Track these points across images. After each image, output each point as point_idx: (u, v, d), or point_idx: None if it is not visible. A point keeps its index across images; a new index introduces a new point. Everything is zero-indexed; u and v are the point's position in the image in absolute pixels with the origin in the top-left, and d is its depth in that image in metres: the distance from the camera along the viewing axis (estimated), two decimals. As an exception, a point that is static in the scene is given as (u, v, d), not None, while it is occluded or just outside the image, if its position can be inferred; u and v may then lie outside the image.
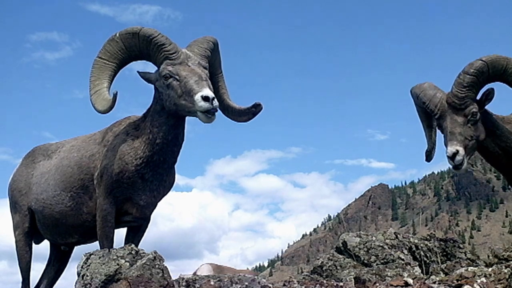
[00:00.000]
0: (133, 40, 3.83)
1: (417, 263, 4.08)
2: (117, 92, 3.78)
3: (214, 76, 4.22)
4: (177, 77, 3.71)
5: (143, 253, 3.35)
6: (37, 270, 5.15)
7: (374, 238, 4.42)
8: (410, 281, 2.90)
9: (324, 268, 4.26)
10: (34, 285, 5.06)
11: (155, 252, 3.31)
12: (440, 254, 4.35)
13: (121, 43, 3.85)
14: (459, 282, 2.71)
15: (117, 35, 3.87)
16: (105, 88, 3.84)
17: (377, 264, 4.06)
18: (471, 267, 2.98)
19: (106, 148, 4.11)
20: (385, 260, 4.15)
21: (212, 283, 2.86)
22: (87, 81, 3.87)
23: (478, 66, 3.97)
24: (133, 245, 3.41)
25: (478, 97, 4.06)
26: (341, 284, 2.96)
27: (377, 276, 3.54)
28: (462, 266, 3.14)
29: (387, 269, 3.62)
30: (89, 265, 3.23)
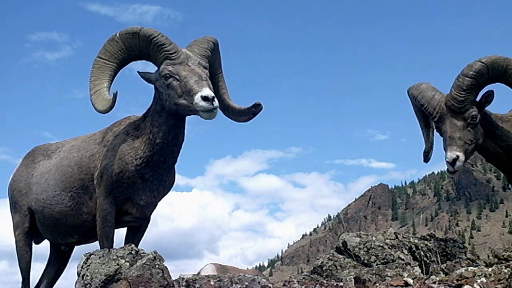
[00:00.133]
0: (133, 40, 3.82)
1: (417, 263, 4.08)
2: (117, 92, 3.78)
3: (214, 76, 4.22)
4: (177, 77, 3.71)
5: (143, 253, 3.35)
6: (37, 270, 5.15)
7: (374, 238, 4.42)
8: (410, 281, 2.90)
9: (324, 268, 4.27)
10: (34, 285, 5.06)
11: (155, 252, 3.31)
12: (440, 254, 4.35)
13: (121, 43, 3.85)
14: (459, 282, 2.72)
15: (117, 35, 3.87)
16: (105, 88, 3.84)
17: (377, 264, 4.06)
18: (471, 267, 2.98)
19: (106, 148, 4.11)
20: (385, 260, 4.15)
21: (212, 283, 2.86)
22: (87, 81, 3.88)
23: (478, 68, 3.89)
24: (133, 245, 3.42)
25: (477, 99, 3.99)
26: (341, 284, 2.96)
27: (377, 276, 3.54)
28: (462, 266, 3.14)
29: (387, 269, 3.62)
30: (89, 265, 3.23)
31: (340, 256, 4.35)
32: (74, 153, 4.44)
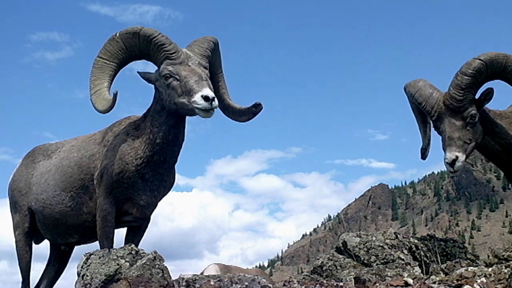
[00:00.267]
0: (133, 40, 3.82)
1: (417, 263, 4.08)
2: (117, 92, 3.78)
3: (215, 76, 4.21)
4: (177, 76, 3.70)
5: (143, 253, 3.35)
6: (37, 270, 5.15)
7: (374, 238, 4.42)
8: (410, 281, 2.90)
9: (324, 268, 4.27)
10: (34, 285, 5.06)
11: (155, 252, 3.31)
12: (440, 254, 4.35)
13: (122, 43, 3.85)
14: (459, 282, 2.71)
15: (117, 35, 3.86)
16: (105, 88, 3.84)
17: (377, 264, 4.06)
18: (471, 267, 2.98)
19: (106, 148, 4.11)
20: (385, 260, 4.15)
21: (212, 283, 2.86)
22: (88, 81, 3.87)
23: (476, 66, 3.81)
24: (133, 245, 3.41)
25: (476, 96, 3.92)
26: (341, 284, 2.96)
27: (377, 276, 3.54)
28: (462, 266, 3.14)
29: (387, 269, 3.62)
30: (89, 265, 3.23)
31: (340, 256, 4.35)
32: (74, 153, 4.44)
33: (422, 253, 4.41)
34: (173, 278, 3.16)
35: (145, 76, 3.94)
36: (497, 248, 3.71)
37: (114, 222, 4.03)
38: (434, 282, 2.81)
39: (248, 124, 4.38)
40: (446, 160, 3.80)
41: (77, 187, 4.28)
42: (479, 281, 2.70)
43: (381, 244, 4.34)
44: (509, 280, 2.73)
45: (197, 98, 3.57)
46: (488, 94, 3.91)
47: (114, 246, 4.00)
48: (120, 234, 4.35)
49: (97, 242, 4.16)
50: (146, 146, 3.90)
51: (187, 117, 3.96)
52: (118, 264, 3.19)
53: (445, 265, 3.28)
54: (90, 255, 3.31)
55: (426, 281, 2.87)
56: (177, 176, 4.31)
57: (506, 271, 2.79)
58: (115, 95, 3.78)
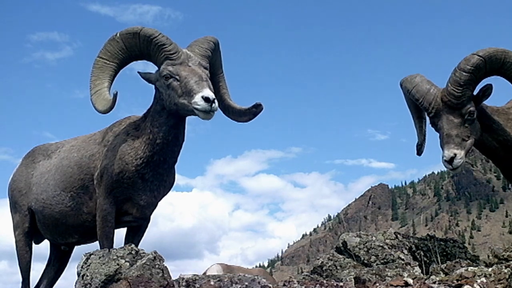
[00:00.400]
0: (133, 40, 3.81)
1: (417, 263, 4.08)
2: (117, 93, 3.78)
3: (215, 76, 4.21)
4: (177, 77, 3.70)
5: (143, 253, 3.35)
6: (37, 270, 5.15)
7: (374, 238, 4.42)
8: (410, 281, 2.90)
9: (324, 268, 4.27)
10: (34, 285, 5.06)
11: (155, 252, 3.31)
12: (440, 254, 4.35)
13: (122, 43, 3.84)
14: (459, 282, 2.71)
15: (118, 35, 3.86)
16: (105, 88, 3.83)
17: (377, 264, 4.06)
18: (471, 267, 2.98)
19: (106, 148, 4.11)
20: (385, 260, 4.15)
21: (212, 283, 2.86)
22: (88, 81, 3.87)
23: (475, 62, 3.75)
24: (133, 245, 3.41)
25: (474, 93, 3.87)
26: (341, 284, 2.96)
27: (377, 276, 3.54)
28: (462, 266, 3.14)
29: (387, 269, 3.62)
30: (89, 265, 3.23)
31: (340, 256, 4.35)
32: (74, 153, 4.44)
33: (422, 253, 4.41)
34: (173, 278, 3.16)
35: (146, 76, 3.93)
36: (497, 248, 3.70)
37: (114, 222, 4.03)
38: (434, 282, 2.81)
39: (248, 124, 4.38)
40: (444, 158, 3.77)
41: (77, 187, 4.28)
42: (479, 281, 2.70)
43: (381, 244, 4.34)
44: (509, 280, 2.73)
45: (197, 99, 3.56)
46: (487, 90, 3.87)
47: (114, 246, 4.00)
48: (120, 234, 4.35)
49: (97, 242, 4.16)
50: (146, 146, 3.90)
51: (187, 118, 3.96)
52: (118, 264, 3.19)
53: (445, 265, 3.28)
54: (90, 255, 3.31)
55: (426, 281, 2.87)
56: (177, 176, 4.31)
57: (506, 271, 2.79)
58: (115, 96, 3.77)
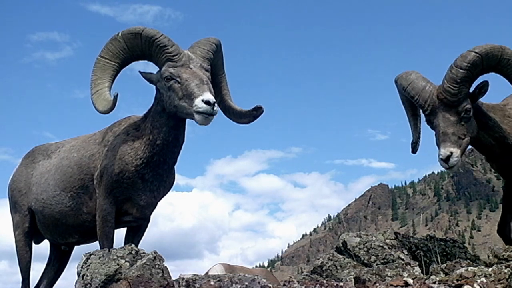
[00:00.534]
0: (135, 40, 3.80)
1: (417, 263, 4.08)
2: (117, 94, 3.77)
3: (217, 77, 4.19)
4: (178, 79, 3.68)
5: (143, 253, 3.35)
6: (37, 270, 5.15)
7: (374, 238, 4.42)
8: (410, 281, 2.90)
9: (324, 268, 4.26)
10: (34, 285, 5.06)
11: (155, 252, 3.31)
12: (440, 254, 4.34)
13: (123, 42, 3.83)
14: (459, 282, 2.71)
15: (120, 34, 3.84)
16: (106, 88, 3.82)
17: (377, 264, 4.06)
18: (471, 267, 2.98)
19: (106, 148, 4.11)
20: (385, 260, 4.15)
21: (212, 283, 2.85)
22: (88, 80, 3.87)
23: (472, 59, 3.69)
24: (133, 245, 3.41)
25: (470, 90, 3.82)
26: (341, 284, 2.96)
27: (377, 276, 3.54)
28: (462, 266, 3.14)
29: (387, 269, 3.62)
30: (89, 265, 3.23)
31: (340, 256, 4.35)
32: (74, 153, 4.43)
33: (422, 253, 4.40)
34: (173, 278, 3.16)
35: (147, 76, 3.92)
36: (497, 248, 3.69)
37: (114, 222, 4.02)
38: (434, 282, 2.80)
39: (248, 124, 4.38)
40: (441, 157, 3.71)
41: (77, 187, 4.28)
42: (479, 281, 2.70)
43: (381, 244, 4.34)
44: (509, 280, 2.73)
45: (198, 102, 3.55)
46: (483, 87, 3.82)
47: (114, 246, 4.00)
48: (120, 234, 4.35)
49: (97, 242, 4.16)
50: (146, 146, 3.90)
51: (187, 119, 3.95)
52: (118, 264, 3.19)
53: (445, 265, 3.27)
54: (90, 255, 3.31)
55: (426, 281, 2.87)
56: (177, 176, 4.31)
57: (506, 271, 2.79)
58: (115, 97, 3.76)
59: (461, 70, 3.70)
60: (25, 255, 4.78)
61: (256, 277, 2.92)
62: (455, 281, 2.74)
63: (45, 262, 5.19)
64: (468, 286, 2.63)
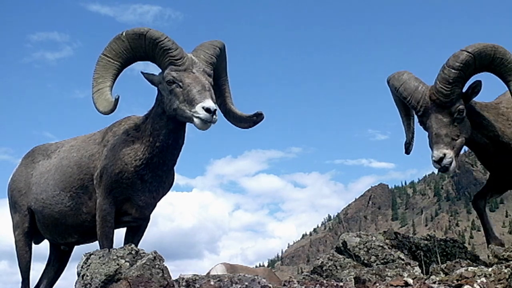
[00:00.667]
0: (139, 41, 3.77)
1: (417, 263, 4.07)
2: (119, 97, 3.75)
3: (219, 80, 4.17)
4: (180, 83, 3.67)
5: (143, 253, 3.35)
6: (37, 270, 5.16)
7: (374, 238, 4.42)
8: (410, 281, 2.90)
9: (324, 268, 4.26)
10: (34, 285, 5.06)
11: (155, 252, 3.31)
12: (440, 254, 4.34)
13: (127, 42, 3.80)
14: (459, 282, 2.71)
15: (124, 34, 3.81)
16: (107, 87, 3.80)
17: (377, 264, 4.06)
18: (471, 267, 2.98)
19: (106, 148, 4.11)
20: (385, 260, 4.14)
21: (212, 283, 2.85)
22: (88, 81, 3.86)
23: (464, 59, 3.62)
24: (133, 245, 3.41)
25: (463, 90, 3.76)
26: (341, 284, 2.96)
27: (377, 276, 3.53)
28: (462, 266, 3.14)
29: (387, 269, 3.62)
30: (89, 265, 3.23)
31: (340, 256, 4.35)
32: (73, 153, 4.44)
33: (422, 253, 4.40)
34: (173, 278, 3.16)
35: (149, 77, 3.90)
36: (497, 248, 3.69)
37: (113, 222, 4.03)
38: (434, 282, 2.80)
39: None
40: (434, 158, 3.66)
41: (77, 187, 4.28)
42: (479, 281, 2.70)
43: (381, 244, 4.34)
44: (509, 280, 2.73)
45: (198, 109, 3.55)
46: (476, 87, 3.76)
47: (114, 246, 4.00)
48: (120, 234, 4.36)
49: (96, 242, 4.17)
50: (145, 148, 3.90)
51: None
52: (118, 264, 3.19)
53: (445, 265, 3.27)
54: (90, 255, 3.31)
55: (426, 281, 2.86)
56: (177, 176, 4.31)
57: (506, 271, 2.79)
58: (116, 100, 3.75)
59: (453, 70, 3.64)
60: (25, 255, 4.79)
61: (256, 277, 2.92)
62: (455, 281, 2.74)
63: (45, 262, 5.19)
64: (468, 286, 2.63)
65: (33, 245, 4.96)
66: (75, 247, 5.04)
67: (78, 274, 3.28)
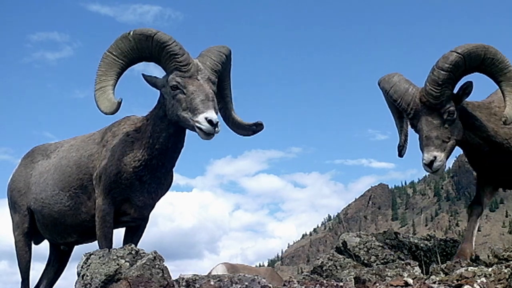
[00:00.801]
0: (146, 43, 3.73)
1: (417, 263, 4.07)
2: (121, 100, 3.73)
3: (222, 83, 4.12)
4: (184, 90, 3.65)
5: (143, 253, 3.35)
6: (37, 270, 5.16)
7: (374, 238, 4.43)
8: (410, 281, 2.90)
9: (324, 268, 4.27)
10: (34, 285, 5.06)
11: (155, 252, 3.31)
12: (440, 254, 4.35)
13: (134, 42, 3.76)
14: (459, 282, 2.71)
15: (131, 33, 3.76)
16: (110, 86, 3.76)
17: (377, 264, 4.06)
18: (471, 267, 2.98)
19: (105, 148, 4.10)
20: (385, 260, 4.15)
21: (212, 283, 2.85)
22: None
23: (454, 60, 3.56)
24: (133, 245, 3.41)
25: (455, 91, 3.70)
26: (341, 284, 2.96)
27: (377, 276, 3.53)
28: (462, 266, 3.14)
29: (387, 269, 3.61)
30: (89, 265, 3.23)
31: (340, 256, 4.35)
32: (73, 152, 4.43)
33: (422, 253, 4.41)
34: (173, 278, 3.16)
35: (152, 80, 3.87)
36: (497, 248, 3.69)
37: (112, 222, 4.03)
38: (434, 282, 2.80)
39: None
40: (424, 161, 3.60)
41: (76, 187, 4.28)
42: (479, 281, 2.69)
43: (381, 244, 4.35)
44: (509, 280, 2.73)
45: (201, 119, 3.53)
46: (467, 88, 3.70)
47: (114, 246, 4.00)
48: (119, 234, 4.36)
49: (96, 242, 4.17)
50: (145, 149, 3.89)
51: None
52: (118, 264, 3.19)
53: (445, 265, 3.28)
54: (90, 255, 3.31)
55: (426, 281, 2.86)
56: (177, 176, 4.31)
57: (506, 271, 2.79)
58: (119, 103, 3.73)
59: (442, 72, 3.58)
60: (24, 255, 4.79)
61: (256, 277, 2.92)
62: (455, 281, 2.74)
63: (45, 262, 5.19)
64: (468, 286, 2.63)
65: (33, 245, 4.96)
66: (75, 247, 5.04)
67: (78, 274, 3.28)
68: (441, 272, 3.18)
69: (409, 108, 3.74)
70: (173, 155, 3.99)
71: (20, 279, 4.85)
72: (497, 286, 2.71)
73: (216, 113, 3.60)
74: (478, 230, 4.22)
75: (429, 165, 3.60)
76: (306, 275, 4.30)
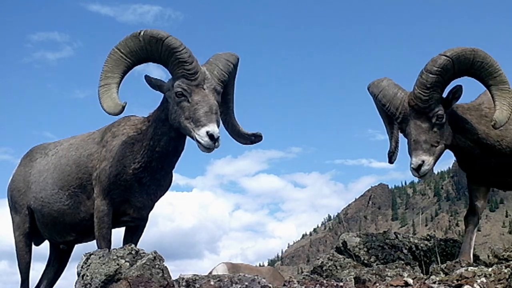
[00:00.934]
0: (155, 45, 3.68)
1: (417, 263, 4.08)
2: (126, 103, 3.69)
3: (226, 89, 4.05)
4: (189, 98, 3.62)
5: (143, 253, 3.35)
6: (37, 270, 5.16)
7: (374, 238, 4.42)
8: (410, 281, 2.90)
9: (324, 268, 4.27)
10: (34, 286, 5.06)
11: (155, 252, 3.31)
12: (440, 254, 4.34)
13: (144, 43, 3.71)
14: (459, 282, 2.71)
15: (142, 33, 3.72)
16: (115, 84, 3.72)
17: (377, 264, 4.06)
18: (471, 267, 2.98)
19: (105, 148, 4.10)
20: (385, 260, 4.15)
21: (212, 283, 2.85)
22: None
23: (442, 63, 3.52)
24: (133, 245, 3.42)
25: (444, 95, 3.67)
26: (341, 284, 2.96)
27: (377, 276, 3.53)
28: (462, 266, 3.14)
29: (387, 269, 3.61)
30: (89, 265, 3.23)
31: (340, 256, 4.35)
32: (72, 151, 4.43)
33: (422, 253, 4.40)
34: (173, 278, 3.16)
35: (156, 83, 3.82)
36: (497, 248, 3.69)
37: (110, 223, 4.03)
38: (434, 282, 2.80)
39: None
40: (412, 166, 3.57)
41: (75, 186, 4.28)
42: (479, 281, 2.69)
43: (381, 244, 4.34)
44: (509, 280, 2.73)
45: (202, 133, 3.51)
46: (457, 92, 3.66)
47: (113, 246, 4.00)
48: (119, 234, 4.36)
49: (95, 241, 4.17)
50: (145, 151, 3.88)
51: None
52: (118, 264, 3.19)
53: (445, 265, 3.27)
54: (90, 255, 3.31)
55: (426, 281, 2.86)
56: (177, 176, 4.31)
57: (506, 271, 2.79)
58: (123, 106, 3.68)
59: (431, 75, 3.54)
60: (24, 256, 4.79)
61: (256, 277, 2.92)
62: (455, 281, 2.74)
63: (45, 262, 5.19)
64: (468, 286, 2.63)
65: (33, 246, 4.96)
66: (75, 247, 5.04)
67: (78, 274, 3.28)
68: (441, 272, 3.18)
69: (398, 113, 3.70)
70: (173, 158, 4.00)
71: (20, 280, 4.85)
72: (497, 286, 2.71)
73: (218, 126, 3.58)
74: (478, 230, 4.19)
75: (416, 169, 3.57)
76: (306, 275, 4.30)
